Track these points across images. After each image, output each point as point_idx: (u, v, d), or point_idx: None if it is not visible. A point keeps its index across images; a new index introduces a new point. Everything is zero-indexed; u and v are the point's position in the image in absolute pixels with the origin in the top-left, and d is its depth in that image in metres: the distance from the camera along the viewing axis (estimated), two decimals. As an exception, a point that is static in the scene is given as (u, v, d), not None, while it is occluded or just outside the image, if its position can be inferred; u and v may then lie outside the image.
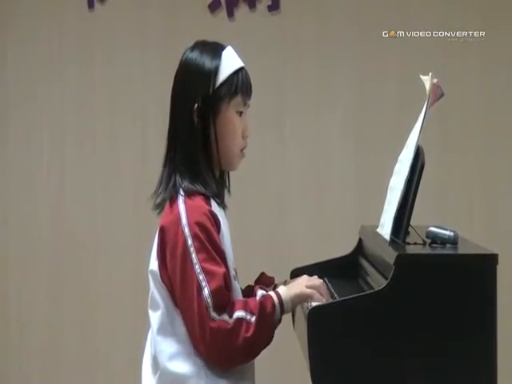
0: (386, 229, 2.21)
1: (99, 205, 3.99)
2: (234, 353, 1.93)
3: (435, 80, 2.17)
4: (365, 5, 3.85)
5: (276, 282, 2.25)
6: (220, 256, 1.96)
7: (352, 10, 3.85)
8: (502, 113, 3.80)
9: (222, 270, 1.94)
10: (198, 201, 1.99)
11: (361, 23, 3.85)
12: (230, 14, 3.90)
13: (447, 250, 2.07)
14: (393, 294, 1.93)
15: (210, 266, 1.93)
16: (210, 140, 2.04)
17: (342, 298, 1.99)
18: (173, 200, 2.01)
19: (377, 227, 2.33)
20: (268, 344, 1.98)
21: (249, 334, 1.92)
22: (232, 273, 2.02)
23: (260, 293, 2.01)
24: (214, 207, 2.01)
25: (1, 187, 4.05)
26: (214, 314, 1.91)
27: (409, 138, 2.25)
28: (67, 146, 4.02)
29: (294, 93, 3.88)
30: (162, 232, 1.99)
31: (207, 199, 2.01)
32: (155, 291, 2.02)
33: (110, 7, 3.97)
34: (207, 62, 2.04)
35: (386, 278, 1.96)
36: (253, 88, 2.10)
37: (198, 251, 1.93)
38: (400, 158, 2.30)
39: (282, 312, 2.00)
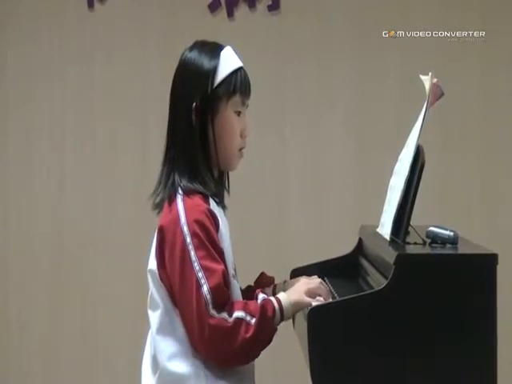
0: (386, 228, 2.21)
1: (99, 205, 3.99)
2: (231, 353, 1.93)
3: (435, 80, 2.17)
4: (365, 5, 3.85)
5: (276, 282, 2.25)
6: (219, 254, 1.96)
7: (352, 10, 3.85)
8: (502, 113, 3.81)
9: (221, 267, 1.94)
10: (197, 199, 1.99)
11: (361, 23, 3.85)
12: (230, 14, 3.90)
13: (447, 250, 2.07)
14: (393, 293, 1.93)
15: (209, 264, 1.93)
16: (208, 139, 2.04)
17: (342, 298, 1.99)
18: (171, 199, 2.01)
19: (377, 227, 2.33)
20: (264, 347, 1.97)
21: (248, 335, 1.91)
22: (231, 272, 2.02)
23: (261, 296, 2.00)
24: (213, 206, 2.01)
25: (1, 187, 4.05)
26: (213, 312, 1.91)
27: (409, 138, 2.25)
28: (67, 145, 4.02)
29: (294, 93, 3.89)
30: (161, 232, 1.99)
31: (206, 198, 2.01)
32: (154, 291, 2.02)
33: (109, 7, 3.98)
34: (206, 62, 2.04)
35: (386, 278, 1.96)
36: (253, 88, 2.10)
37: (196, 249, 1.93)
38: (400, 157, 2.30)
39: (282, 318, 1.99)
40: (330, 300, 2.05)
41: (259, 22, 3.89)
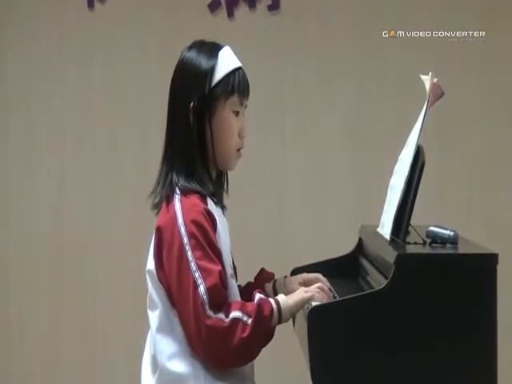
0: (386, 228, 2.21)
1: (99, 205, 3.99)
2: (228, 353, 1.93)
3: (435, 80, 2.17)
4: (365, 5, 3.85)
5: (276, 278, 2.25)
6: (216, 254, 1.96)
7: (352, 10, 3.85)
8: (502, 113, 3.81)
9: (217, 267, 1.94)
10: (194, 199, 1.99)
11: (361, 23, 3.85)
12: (230, 14, 3.90)
13: (447, 250, 2.07)
14: (393, 293, 1.93)
15: (205, 264, 1.93)
16: (205, 139, 2.04)
17: (342, 298, 1.99)
18: (169, 199, 2.01)
19: (377, 227, 2.33)
20: (262, 347, 1.97)
21: (244, 334, 1.91)
22: (229, 272, 2.02)
23: (258, 296, 2.01)
24: (211, 206, 2.01)
25: (1, 187, 4.05)
26: (209, 312, 1.91)
27: (409, 138, 2.25)
28: (67, 145, 4.02)
29: (294, 93, 3.89)
30: (159, 232, 1.99)
31: (203, 197, 2.01)
32: (153, 291, 2.02)
33: (109, 7, 3.97)
34: (204, 62, 2.04)
35: (386, 278, 1.96)
36: (253, 88, 2.10)
37: (193, 249, 1.93)
38: (400, 157, 2.30)
39: (280, 320, 1.99)
40: (330, 300, 2.05)
41: (259, 22, 3.89)
